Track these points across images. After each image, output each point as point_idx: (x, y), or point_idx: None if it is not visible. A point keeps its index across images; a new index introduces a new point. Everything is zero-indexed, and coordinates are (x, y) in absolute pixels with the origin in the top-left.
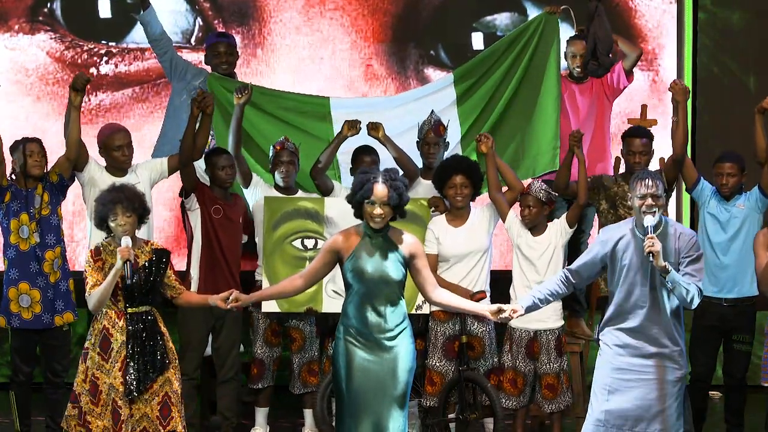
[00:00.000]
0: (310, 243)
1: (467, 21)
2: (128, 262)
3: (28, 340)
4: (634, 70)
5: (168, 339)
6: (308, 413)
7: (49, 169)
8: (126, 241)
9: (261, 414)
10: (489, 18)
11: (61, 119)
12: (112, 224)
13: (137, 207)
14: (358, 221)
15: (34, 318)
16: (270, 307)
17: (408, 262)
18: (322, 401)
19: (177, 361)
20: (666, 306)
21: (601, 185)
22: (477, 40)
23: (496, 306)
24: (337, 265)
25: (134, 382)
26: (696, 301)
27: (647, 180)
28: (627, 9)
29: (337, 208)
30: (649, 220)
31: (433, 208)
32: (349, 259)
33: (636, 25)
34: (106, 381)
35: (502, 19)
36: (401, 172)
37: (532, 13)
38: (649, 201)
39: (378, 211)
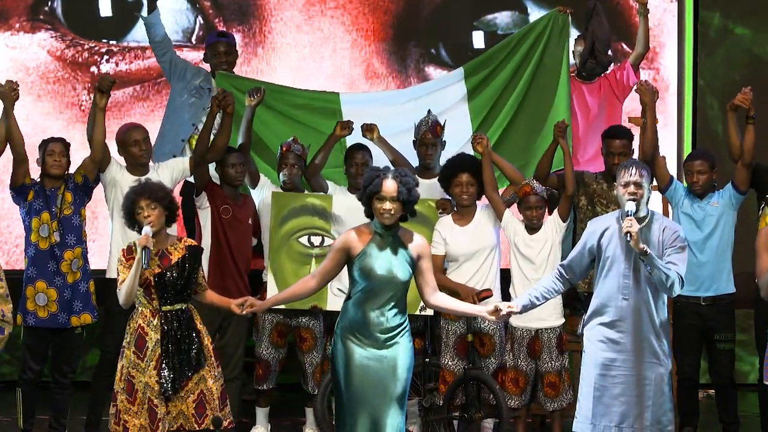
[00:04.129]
0: (316, 240)
1: (468, 20)
2: (146, 250)
3: (41, 339)
4: (639, 68)
5: (205, 336)
6: (309, 412)
7: (73, 170)
8: (147, 229)
9: (262, 413)
10: (489, 17)
11: (62, 118)
12: (138, 218)
13: (162, 198)
14: (366, 218)
15: (50, 317)
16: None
17: (415, 263)
18: (323, 400)
19: (214, 359)
20: (650, 300)
21: (581, 181)
22: (478, 39)
23: (492, 306)
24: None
25: (169, 381)
26: (677, 288)
27: (632, 168)
28: (627, 8)
29: (345, 206)
30: (630, 206)
31: (440, 210)
32: (359, 257)
33: (636, 23)
34: (141, 380)
35: (503, 18)
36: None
37: (533, 11)
38: (632, 188)
39: (387, 206)
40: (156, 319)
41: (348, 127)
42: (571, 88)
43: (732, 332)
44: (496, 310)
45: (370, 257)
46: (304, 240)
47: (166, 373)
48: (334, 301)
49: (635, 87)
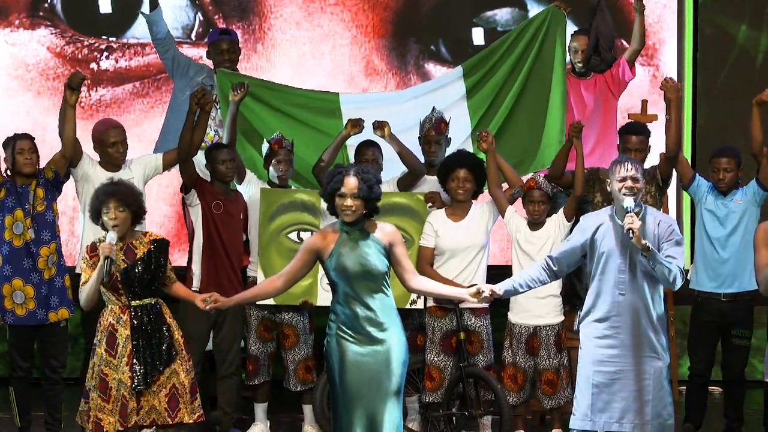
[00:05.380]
0: (306, 236)
1: (468, 16)
2: (108, 259)
3: (25, 336)
4: (634, 64)
5: (175, 330)
6: (307, 408)
7: (43, 165)
8: (111, 236)
9: (260, 409)
10: (489, 13)
11: None
12: (104, 217)
13: (131, 203)
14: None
15: (28, 314)
16: (266, 300)
17: (388, 251)
18: (322, 396)
19: (185, 352)
20: (647, 295)
21: (596, 178)
22: (477, 36)
23: (474, 287)
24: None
25: (141, 375)
26: (679, 281)
27: (626, 163)
28: (627, 4)
29: None
30: (629, 201)
31: (429, 204)
32: (330, 258)
33: None
34: (114, 377)
35: (503, 15)
36: (405, 169)
37: (533, 8)
38: (629, 183)
39: (348, 203)
40: (125, 314)
41: (358, 125)
42: (567, 83)
43: (749, 329)
44: (478, 292)
45: (341, 256)
46: (293, 236)
47: (137, 368)
48: (324, 297)
49: (660, 83)
